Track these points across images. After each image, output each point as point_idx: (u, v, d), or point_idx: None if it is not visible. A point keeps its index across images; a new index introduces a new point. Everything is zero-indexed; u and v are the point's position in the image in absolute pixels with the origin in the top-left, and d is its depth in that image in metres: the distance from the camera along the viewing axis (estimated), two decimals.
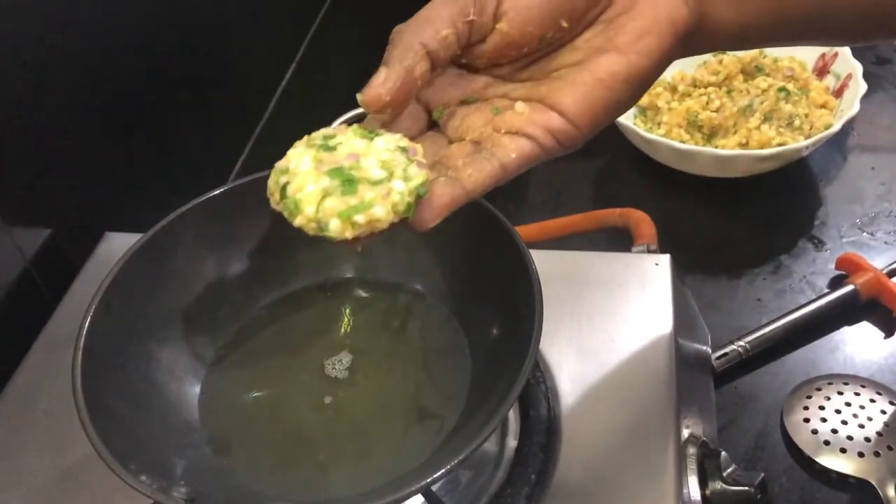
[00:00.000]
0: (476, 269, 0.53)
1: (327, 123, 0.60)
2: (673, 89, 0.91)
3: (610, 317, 0.58)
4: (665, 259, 0.61)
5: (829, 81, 0.89)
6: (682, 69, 0.93)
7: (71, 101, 0.68)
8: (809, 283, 0.77)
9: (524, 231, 0.71)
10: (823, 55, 0.90)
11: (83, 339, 0.46)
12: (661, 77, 0.92)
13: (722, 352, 0.69)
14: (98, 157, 0.72)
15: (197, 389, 0.52)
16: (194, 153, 0.84)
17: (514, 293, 0.48)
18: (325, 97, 1.02)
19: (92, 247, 0.67)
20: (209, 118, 0.88)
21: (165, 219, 0.52)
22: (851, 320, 0.73)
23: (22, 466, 0.53)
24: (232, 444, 0.48)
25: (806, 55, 0.91)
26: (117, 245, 0.63)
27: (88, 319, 0.47)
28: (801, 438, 0.64)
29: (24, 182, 0.64)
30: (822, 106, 0.87)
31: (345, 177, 0.36)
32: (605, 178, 0.92)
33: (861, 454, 0.63)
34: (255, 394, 0.51)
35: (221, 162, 0.92)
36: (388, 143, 0.37)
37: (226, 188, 0.54)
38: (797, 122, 0.84)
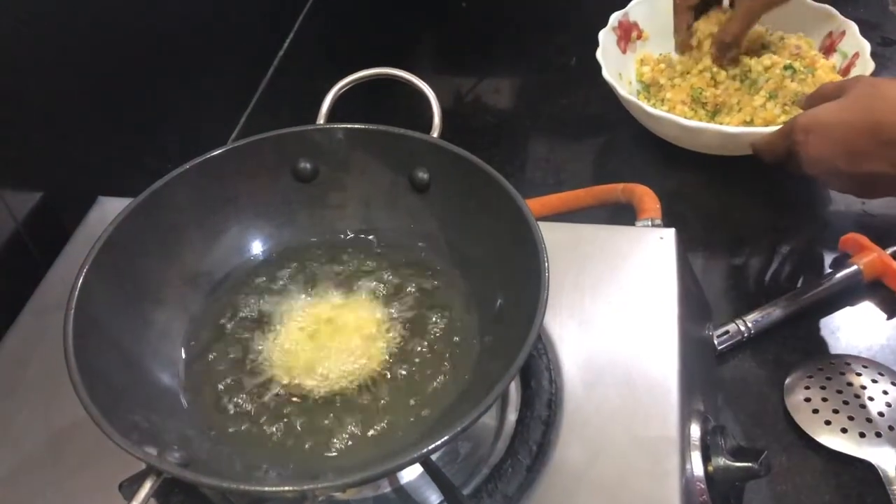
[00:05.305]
0: (480, 238, 0.52)
1: (326, 91, 0.58)
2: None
3: (614, 290, 0.57)
4: (670, 233, 0.60)
5: (836, 60, 0.88)
6: None
7: (66, 63, 0.67)
8: (812, 263, 0.76)
9: None
10: (831, 33, 0.89)
11: (75, 299, 0.45)
12: (666, 53, 0.92)
13: (724, 330, 0.69)
14: (92, 121, 0.70)
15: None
16: (191, 119, 0.83)
17: (520, 264, 0.47)
18: (324, 64, 1.00)
19: (84, 211, 0.65)
20: (207, 83, 0.87)
21: (162, 179, 0.51)
22: (854, 301, 0.72)
23: (11, 432, 0.52)
24: (228, 410, 0.47)
25: (813, 33, 0.90)
26: (110, 210, 0.62)
27: (81, 279, 0.46)
28: (802, 418, 0.64)
29: (15, 144, 0.63)
30: None
31: None
32: (605, 156, 0.91)
33: (862, 434, 0.62)
34: (252, 359, 0.50)
35: (219, 128, 0.90)
36: None
37: (225, 149, 0.52)
38: None
